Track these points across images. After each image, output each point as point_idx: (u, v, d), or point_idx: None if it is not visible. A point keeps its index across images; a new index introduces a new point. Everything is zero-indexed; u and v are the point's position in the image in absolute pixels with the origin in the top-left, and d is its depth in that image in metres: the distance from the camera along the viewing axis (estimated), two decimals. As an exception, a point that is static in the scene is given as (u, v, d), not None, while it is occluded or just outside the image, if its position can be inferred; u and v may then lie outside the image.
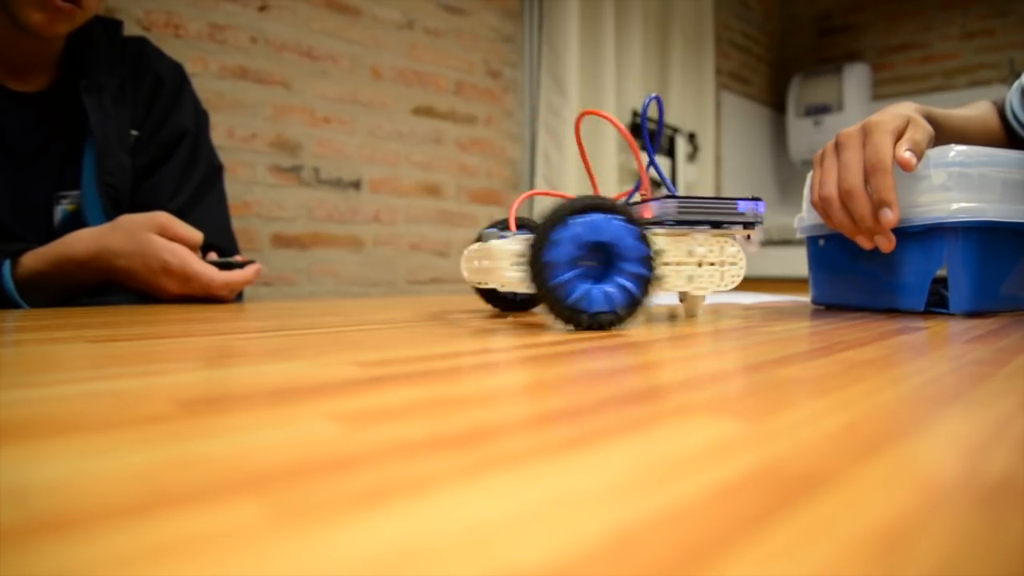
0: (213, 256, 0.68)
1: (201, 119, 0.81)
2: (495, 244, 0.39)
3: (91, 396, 0.18)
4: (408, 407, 0.17)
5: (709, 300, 0.68)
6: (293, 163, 1.43)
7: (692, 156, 2.40)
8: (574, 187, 1.91)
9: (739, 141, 2.82)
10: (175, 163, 0.76)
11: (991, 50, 2.63)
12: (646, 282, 0.36)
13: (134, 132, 0.74)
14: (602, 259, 0.36)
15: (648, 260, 0.36)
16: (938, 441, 0.15)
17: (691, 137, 2.40)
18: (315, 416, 0.16)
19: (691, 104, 2.41)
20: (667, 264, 0.42)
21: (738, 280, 0.44)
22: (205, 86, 1.26)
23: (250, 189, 1.36)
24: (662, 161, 2.24)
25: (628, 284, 0.35)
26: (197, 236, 0.64)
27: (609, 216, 0.35)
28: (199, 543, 0.09)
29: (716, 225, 0.43)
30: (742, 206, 0.43)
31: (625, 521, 0.10)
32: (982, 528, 0.10)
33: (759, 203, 0.44)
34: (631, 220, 0.35)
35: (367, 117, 1.55)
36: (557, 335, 0.34)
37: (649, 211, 0.44)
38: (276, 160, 1.40)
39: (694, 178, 2.40)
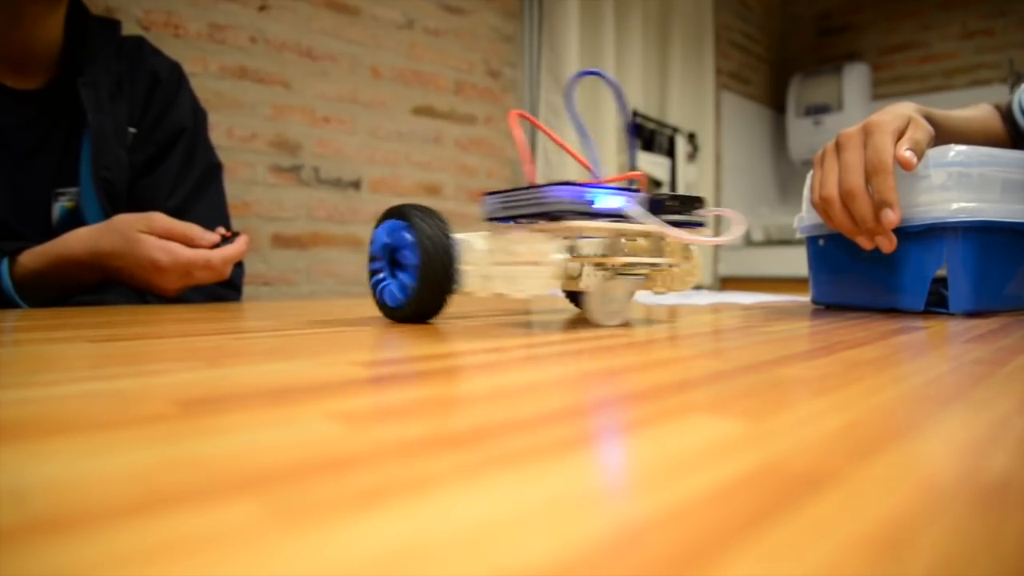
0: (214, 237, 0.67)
1: (199, 117, 0.81)
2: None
3: (90, 396, 0.18)
4: (408, 407, 0.17)
5: (705, 300, 0.68)
6: (293, 163, 1.43)
7: (692, 156, 2.40)
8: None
9: (739, 141, 2.82)
10: (173, 161, 0.76)
11: (991, 50, 2.63)
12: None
13: (132, 129, 0.74)
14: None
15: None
16: (938, 441, 0.14)
17: (691, 137, 2.40)
18: (315, 416, 0.16)
19: (691, 104, 2.41)
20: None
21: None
22: (204, 86, 1.26)
23: (250, 189, 1.36)
24: (662, 161, 2.24)
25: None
26: (193, 230, 0.63)
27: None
28: (198, 543, 0.09)
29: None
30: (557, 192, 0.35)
31: (625, 521, 0.10)
32: (982, 528, 0.10)
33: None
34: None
35: (367, 117, 1.55)
36: (557, 335, 0.34)
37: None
38: (276, 160, 1.40)
39: (694, 178, 2.40)
